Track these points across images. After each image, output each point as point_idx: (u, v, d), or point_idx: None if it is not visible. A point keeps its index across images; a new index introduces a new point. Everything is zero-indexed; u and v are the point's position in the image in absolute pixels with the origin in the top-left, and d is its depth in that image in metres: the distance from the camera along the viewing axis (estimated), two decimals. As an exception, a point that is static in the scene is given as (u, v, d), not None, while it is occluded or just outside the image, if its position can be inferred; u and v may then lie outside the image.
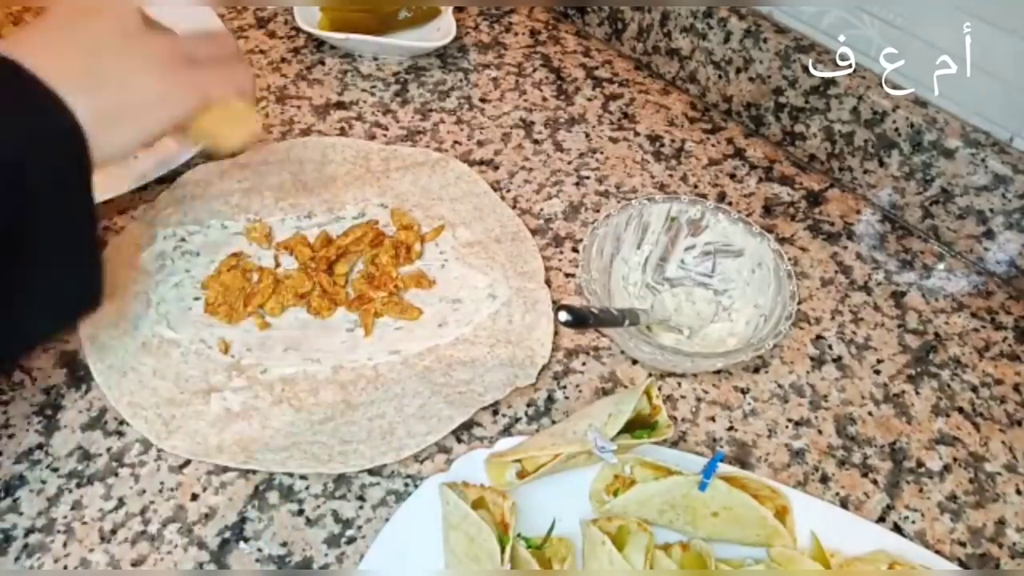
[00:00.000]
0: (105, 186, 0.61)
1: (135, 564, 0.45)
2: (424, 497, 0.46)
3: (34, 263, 0.38)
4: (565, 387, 0.56)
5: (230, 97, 0.46)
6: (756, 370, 0.58)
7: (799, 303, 0.62)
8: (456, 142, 0.71)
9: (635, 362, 0.58)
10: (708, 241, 0.61)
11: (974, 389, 0.59)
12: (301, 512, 0.48)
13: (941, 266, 0.68)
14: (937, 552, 0.49)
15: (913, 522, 0.52)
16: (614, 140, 0.74)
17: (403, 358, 0.54)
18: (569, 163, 0.71)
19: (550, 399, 0.55)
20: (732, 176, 0.72)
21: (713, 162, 0.73)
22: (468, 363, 0.54)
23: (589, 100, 0.78)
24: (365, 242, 0.60)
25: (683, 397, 0.56)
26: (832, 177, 0.73)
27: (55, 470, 0.48)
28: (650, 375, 0.57)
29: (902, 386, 0.59)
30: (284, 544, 0.47)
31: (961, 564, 0.50)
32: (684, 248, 0.62)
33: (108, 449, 0.49)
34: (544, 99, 0.77)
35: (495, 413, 0.54)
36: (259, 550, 0.46)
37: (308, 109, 0.72)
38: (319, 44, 0.79)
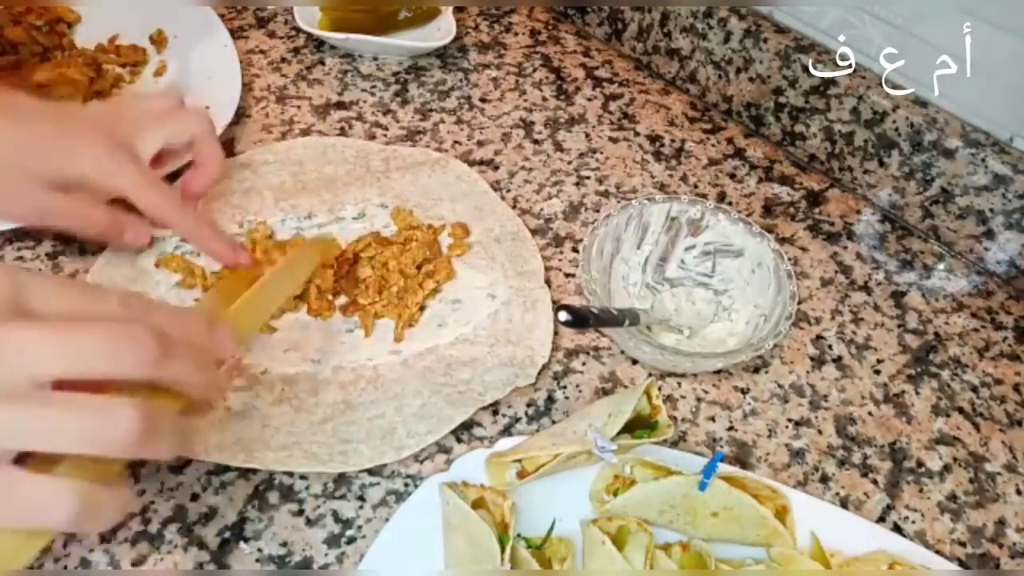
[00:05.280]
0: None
1: (135, 564, 0.45)
2: (424, 497, 0.46)
3: None
4: (565, 387, 0.56)
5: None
6: (756, 370, 0.58)
7: (799, 303, 0.62)
8: (456, 142, 0.71)
9: (635, 362, 0.58)
10: (708, 241, 0.61)
11: (974, 389, 0.59)
12: (301, 512, 0.48)
13: (941, 266, 0.68)
14: (937, 552, 0.49)
15: (913, 522, 0.52)
16: (614, 140, 0.74)
17: (403, 358, 0.54)
18: (569, 163, 0.71)
19: (550, 399, 0.55)
20: (732, 176, 0.72)
21: (713, 162, 0.73)
22: (468, 363, 0.54)
23: (589, 100, 0.78)
24: (372, 247, 0.60)
25: (683, 397, 0.56)
26: (832, 177, 0.73)
27: (55, 470, 0.48)
28: (650, 375, 0.57)
29: (902, 386, 0.59)
30: (284, 544, 0.47)
31: (961, 564, 0.50)
32: (684, 248, 0.62)
33: (108, 449, 0.49)
34: (544, 99, 0.77)
35: (495, 413, 0.54)
36: (259, 550, 0.46)
37: (308, 109, 0.72)
38: (319, 44, 0.79)
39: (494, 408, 0.54)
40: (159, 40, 0.74)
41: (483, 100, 0.76)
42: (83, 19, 0.74)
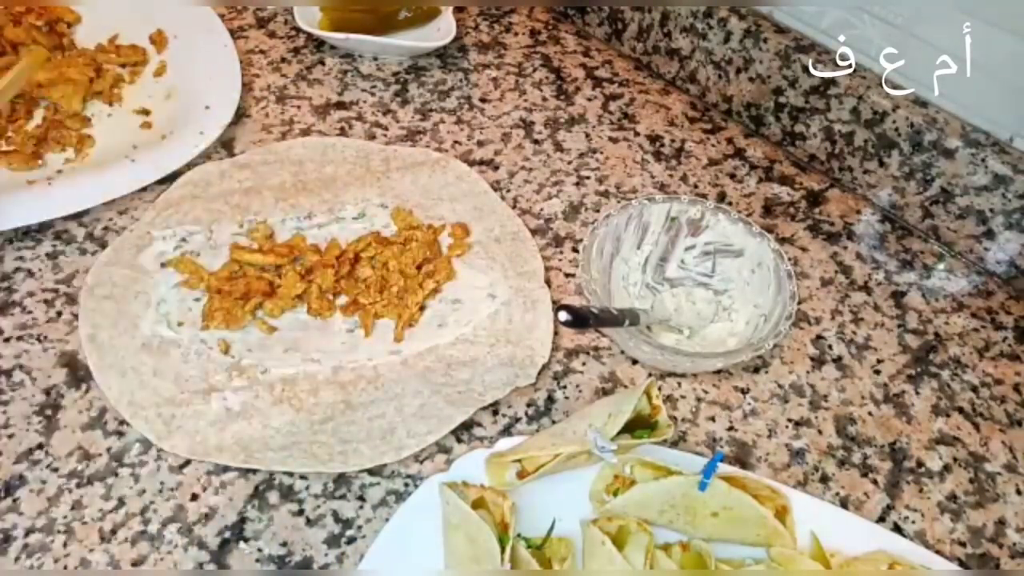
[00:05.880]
0: (105, 187, 0.61)
1: (135, 564, 0.45)
2: (424, 497, 0.46)
3: None
4: (565, 387, 0.56)
5: None
6: (756, 370, 0.58)
7: (799, 303, 0.62)
8: (456, 142, 0.71)
9: (635, 362, 0.58)
10: (708, 241, 0.61)
11: (974, 389, 0.59)
12: (301, 512, 0.48)
13: (941, 266, 0.68)
14: (937, 552, 0.49)
15: (913, 522, 0.52)
16: (614, 140, 0.74)
17: (403, 358, 0.55)
18: (569, 163, 0.71)
19: (550, 399, 0.55)
20: (732, 176, 0.72)
21: (713, 162, 0.73)
22: (468, 363, 0.54)
23: (589, 100, 0.78)
24: (373, 247, 0.60)
25: (683, 397, 0.56)
26: (832, 177, 0.73)
27: (55, 470, 0.48)
28: (650, 375, 0.57)
29: (902, 386, 0.59)
30: (284, 544, 0.47)
31: (961, 564, 0.50)
32: (684, 248, 0.62)
33: (108, 449, 0.49)
34: (544, 99, 0.77)
35: (495, 413, 0.54)
36: (259, 550, 0.46)
37: (308, 109, 0.72)
38: (319, 44, 0.79)
39: (494, 408, 0.54)
40: (159, 40, 0.74)
41: (483, 100, 0.76)
42: (83, 19, 0.75)
